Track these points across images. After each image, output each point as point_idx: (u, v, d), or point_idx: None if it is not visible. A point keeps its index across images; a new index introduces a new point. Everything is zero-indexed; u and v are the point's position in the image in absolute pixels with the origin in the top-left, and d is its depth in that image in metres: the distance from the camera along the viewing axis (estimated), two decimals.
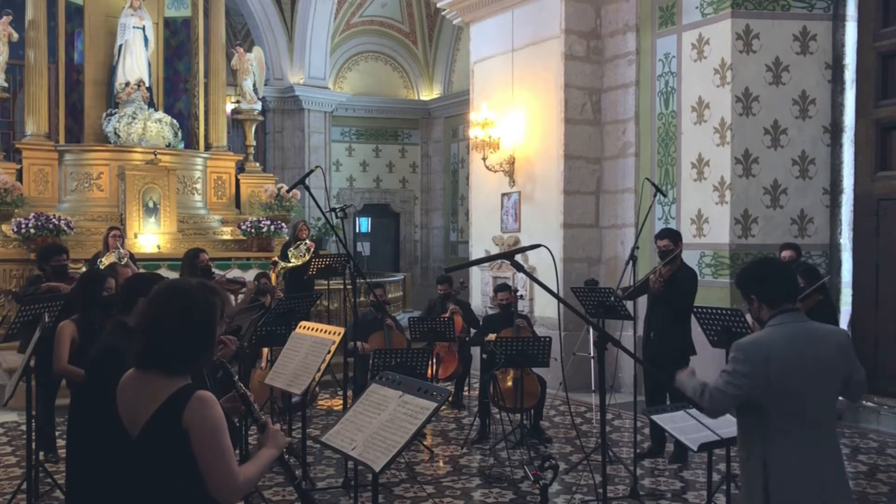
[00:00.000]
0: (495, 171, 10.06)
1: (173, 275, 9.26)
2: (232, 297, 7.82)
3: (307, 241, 9.83)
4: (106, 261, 8.05)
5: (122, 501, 2.56)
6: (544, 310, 9.46)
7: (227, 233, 12.81)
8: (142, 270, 8.18)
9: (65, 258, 6.74)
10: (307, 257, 9.51)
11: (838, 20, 8.14)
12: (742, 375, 3.01)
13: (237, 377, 3.00)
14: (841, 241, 8.17)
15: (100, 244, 10.22)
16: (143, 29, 12.66)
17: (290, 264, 9.60)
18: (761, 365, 3.00)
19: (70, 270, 6.91)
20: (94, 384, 3.54)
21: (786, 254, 7.10)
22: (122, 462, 2.53)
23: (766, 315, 3.16)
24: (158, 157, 12.08)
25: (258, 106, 14.26)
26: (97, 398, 3.40)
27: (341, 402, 6.95)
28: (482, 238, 10.58)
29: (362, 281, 6.41)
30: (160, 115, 12.71)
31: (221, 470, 2.34)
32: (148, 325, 2.46)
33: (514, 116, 9.92)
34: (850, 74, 8.10)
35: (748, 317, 5.86)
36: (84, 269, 7.98)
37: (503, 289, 7.62)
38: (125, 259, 8.03)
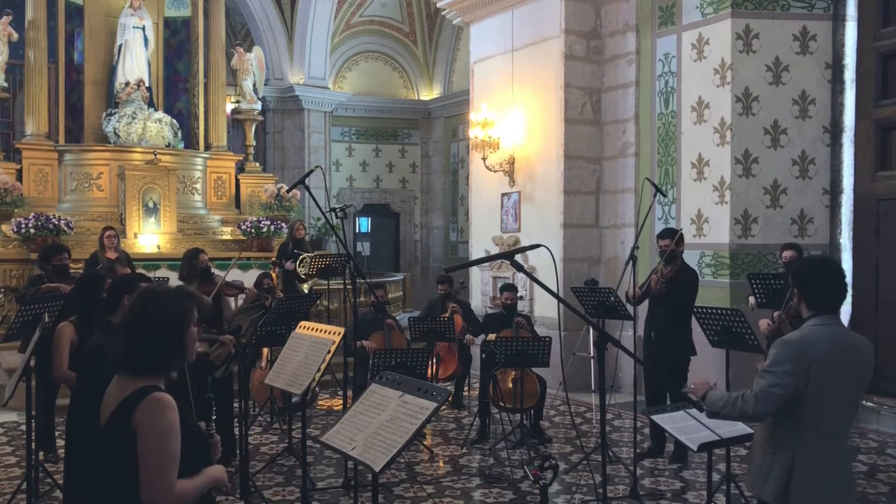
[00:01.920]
0: (495, 171, 10.05)
1: (173, 275, 9.26)
2: (231, 300, 7.82)
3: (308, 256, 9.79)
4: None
5: (112, 499, 2.56)
6: (544, 310, 9.46)
7: (226, 233, 12.81)
8: (141, 271, 8.19)
9: (66, 257, 6.73)
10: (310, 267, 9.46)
11: (838, 20, 8.14)
12: (786, 374, 3.03)
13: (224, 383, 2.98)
14: (841, 241, 8.16)
15: None
16: (143, 29, 12.67)
17: (303, 282, 9.56)
18: (804, 363, 3.03)
19: (71, 270, 6.91)
20: (83, 384, 3.55)
21: (787, 254, 7.08)
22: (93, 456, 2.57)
23: (805, 312, 3.18)
24: (158, 157, 12.09)
25: (258, 106, 14.26)
26: (87, 397, 3.41)
27: (341, 402, 6.94)
28: (482, 238, 10.57)
29: (362, 281, 6.41)
30: (160, 115, 12.72)
31: (158, 477, 2.31)
32: (122, 328, 2.52)
33: (514, 116, 9.92)
34: (850, 74, 8.10)
35: (763, 324, 5.87)
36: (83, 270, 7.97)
37: (509, 289, 7.59)
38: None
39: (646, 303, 6.61)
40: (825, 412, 3.07)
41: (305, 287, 9.61)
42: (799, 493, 3.06)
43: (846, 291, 3.27)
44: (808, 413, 3.06)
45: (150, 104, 12.72)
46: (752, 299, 6.92)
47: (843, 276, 3.27)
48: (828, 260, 3.68)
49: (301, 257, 9.55)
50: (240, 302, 8.21)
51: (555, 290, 3.20)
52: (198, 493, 2.45)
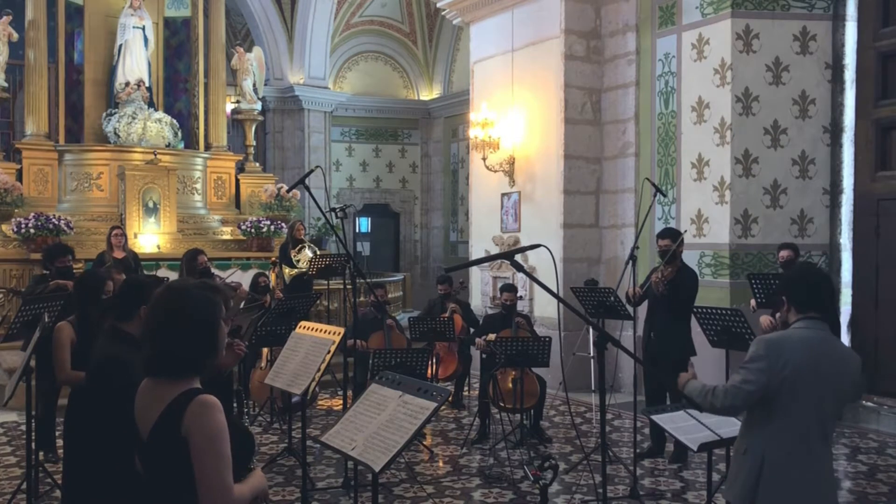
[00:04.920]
0: (495, 171, 10.06)
1: (173, 275, 9.26)
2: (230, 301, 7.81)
3: (310, 245, 9.77)
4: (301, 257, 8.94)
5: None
6: (544, 310, 9.46)
7: (226, 233, 12.81)
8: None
9: (70, 259, 6.70)
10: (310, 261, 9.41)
11: (838, 20, 8.14)
12: (759, 371, 2.99)
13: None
14: (841, 241, 8.16)
15: (99, 244, 10.23)
16: (143, 29, 12.68)
17: (298, 270, 9.53)
18: (778, 363, 2.98)
19: (74, 271, 6.90)
20: (92, 391, 3.52)
21: (784, 253, 7.07)
22: (132, 465, 2.48)
23: (793, 318, 3.14)
24: (158, 157, 12.09)
25: (258, 106, 14.27)
26: (95, 405, 3.38)
27: (341, 402, 6.95)
28: (482, 238, 10.57)
29: (362, 281, 6.41)
30: (160, 115, 12.72)
31: (217, 481, 2.23)
32: (150, 331, 2.40)
33: (514, 116, 9.92)
34: (850, 74, 8.10)
35: (764, 320, 5.89)
36: (84, 270, 7.95)
37: (508, 289, 7.59)
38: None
39: (645, 303, 6.62)
40: (799, 414, 3.00)
41: (302, 261, 9.47)
42: (766, 496, 2.99)
43: (828, 295, 3.19)
44: (780, 414, 3.00)
45: (150, 104, 12.73)
46: (753, 301, 6.92)
47: (825, 281, 3.21)
48: (813, 265, 3.65)
49: (302, 246, 9.53)
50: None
51: (555, 290, 3.20)
52: (251, 496, 2.37)
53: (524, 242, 9.62)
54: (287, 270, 9.44)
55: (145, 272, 8.92)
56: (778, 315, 5.18)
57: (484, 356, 7.34)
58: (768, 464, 3.01)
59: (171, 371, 2.35)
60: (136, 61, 12.61)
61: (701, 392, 3.12)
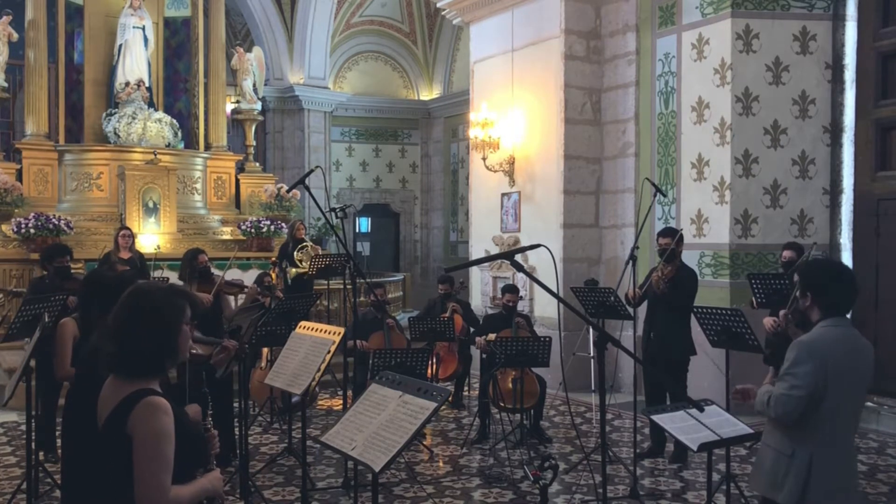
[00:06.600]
0: (495, 171, 10.06)
1: (173, 275, 9.25)
2: (231, 298, 7.81)
3: (310, 244, 9.77)
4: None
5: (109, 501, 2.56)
6: (544, 310, 9.46)
7: (226, 233, 12.80)
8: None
9: (68, 259, 6.72)
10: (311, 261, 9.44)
11: (838, 20, 8.14)
12: (806, 374, 3.07)
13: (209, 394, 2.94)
14: (841, 241, 8.16)
15: (99, 244, 10.24)
16: (143, 29, 12.68)
17: (301, 269, 9.52)
18: (821, 364, 3.07)
19: (73, 271, 6.91)
20: (81, 385, 3.53)
21: (786, 254, 7.06)
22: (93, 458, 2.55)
23: (816, 316, 3.22)
24: (158, 157, 12.08)
25: (258, 106, 14.26)
26: (83, 399, 3.39)
27: (341, 402, 6.95)
28: (482, 238, 10.57)
29: (362, 281, 6.40)
30: (160, 114, 12.72)
31: (152, 481, 2.29)
32: (113, 330, 2.46)
33: (514, 116, 9.92)
34: (850, 74, 8.10)
35: (768, 322, 5.89)
36: (86, 270, 7.95)
37: (510, 290, 7.57)
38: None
39: (645, 303, 6.62)
40: (840, 412, 3.11)
41: (304, 260, 9.48)
42: (818, 493, 3.09)
43: (855, 298, 3.34)
44: (825, 413, 3.09)
45: (150, 104, 12.72)
46: (753, 300, 6.90)
47: (856, 281, 3.34)
48: (843, 266, 3.70)
49: (303, 244, 9.52)
50: (240, 301, 8.21)
51: (555, 290, 3.20)
52: (192, 500, 2.42)
53: (524, 242, 9.62)
54: (292, 271, 9.45)
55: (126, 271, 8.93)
56: (782, 313, 5.18)
57: (484, 356, 7.33)
58: (816, 464, 3.10)
59: (127, 370, 2.41)
60: (136, 61, 12.60)
61: (762, 402, 3.23)
